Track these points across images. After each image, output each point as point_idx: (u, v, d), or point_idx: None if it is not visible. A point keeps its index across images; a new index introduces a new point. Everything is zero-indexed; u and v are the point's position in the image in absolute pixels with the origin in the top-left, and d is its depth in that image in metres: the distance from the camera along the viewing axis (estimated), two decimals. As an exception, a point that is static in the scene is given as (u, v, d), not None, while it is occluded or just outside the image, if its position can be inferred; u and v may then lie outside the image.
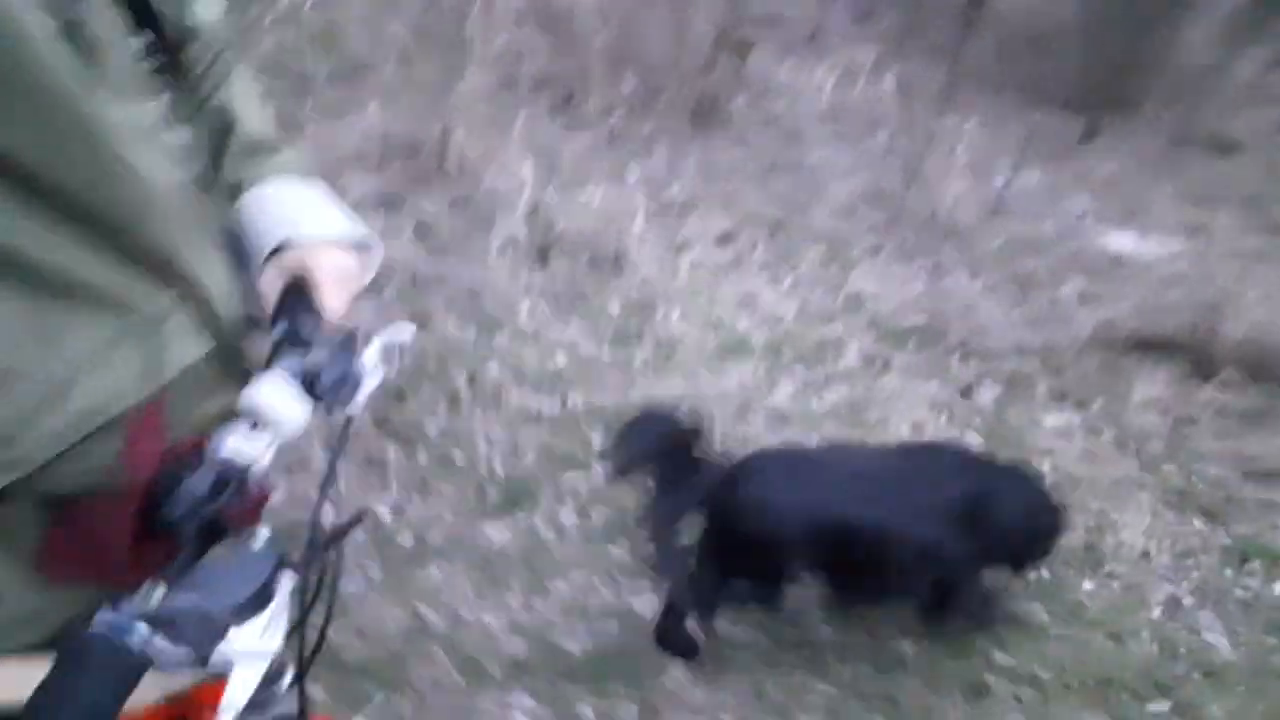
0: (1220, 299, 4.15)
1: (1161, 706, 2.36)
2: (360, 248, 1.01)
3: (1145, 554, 2.85)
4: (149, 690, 0.71)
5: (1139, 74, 6.90)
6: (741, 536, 2.09)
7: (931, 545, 2.15)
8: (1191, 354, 3.85)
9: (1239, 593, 2.81)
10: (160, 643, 0.69)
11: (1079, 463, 3.16)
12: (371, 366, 0.93)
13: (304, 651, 0.87)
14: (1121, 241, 5.02)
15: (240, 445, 0.82)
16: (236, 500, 0.81)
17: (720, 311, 3.67)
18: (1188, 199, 5.73)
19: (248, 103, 1.01)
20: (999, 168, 5.54)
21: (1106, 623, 2.59)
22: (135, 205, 0.79)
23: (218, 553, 0.81)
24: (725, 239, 4.21)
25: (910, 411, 3.24)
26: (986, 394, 3.44)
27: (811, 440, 3.02)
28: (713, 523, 2.14)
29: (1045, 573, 2.70)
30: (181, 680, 0.77)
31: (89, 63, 0.74)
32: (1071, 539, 2.82)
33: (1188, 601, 2.73)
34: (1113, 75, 6.88)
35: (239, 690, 0.79)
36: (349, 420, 0.91)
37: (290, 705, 0.93)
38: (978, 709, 2.26)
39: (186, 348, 0.86)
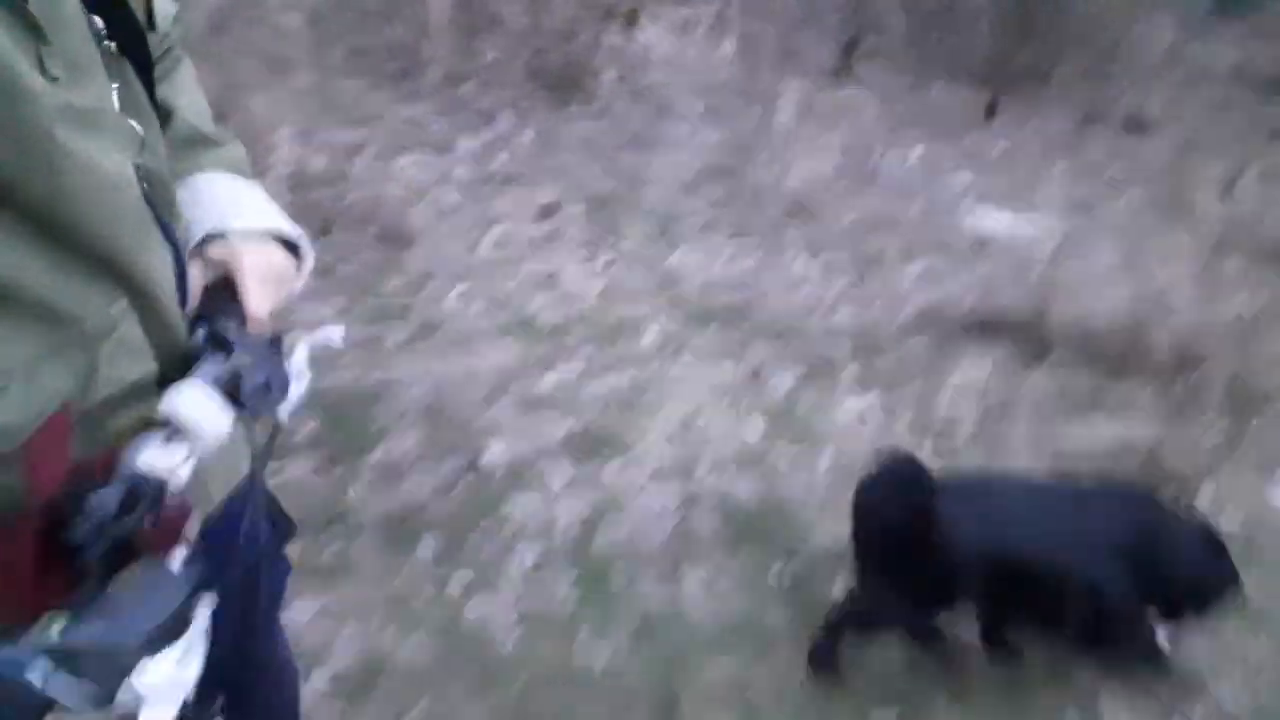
0: (1076, 280, 4.01)
1: (886, 716, 2.19)
2: (293, 248, 0.97)
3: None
4: None
5: (1048, 47, 6.76)
6: (919, 560, 2.10)
7: (1101, 584, 2.15)
8: (1025, 337, 3.69)
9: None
10: (62, 679, 0.64)
11: (866, 451, 2.98)
12: (298, 371, 0.90)
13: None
14: (992, 221, 4.86)
15: (155, 458, 0.76)
16: (150, 519, 0.75)
17: (514, 290, 3.48)
18: (1083, 178, 5.58)
19: (188, 96, 0.98)
20: (879, 143, 5.39)
21: (846, 624, 2.42)
22: (77, 198, 0.71)
23: (128, 577, 0.74)
24: (545, 213, 4.01)
25: (691, 396, 3.06)
26: (783, 378, 3.26)
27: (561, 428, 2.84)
28: (889, 542, 2.17)
29: (795, 569, 2.53)
30: None
31: (28, 36, 0.67)
32: (833, 532, 2.66)
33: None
34: (1020, 48, 6.73)
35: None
36: (275, 429, 0.87)
37: None
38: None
39: (124, 368, 0.79)
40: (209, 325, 0.85)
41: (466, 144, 4.44)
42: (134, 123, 0.81)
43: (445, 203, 3.87)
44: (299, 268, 0.99)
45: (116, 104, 0.79)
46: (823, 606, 2.44)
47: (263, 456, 0.86)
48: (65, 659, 0.65)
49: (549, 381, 3.02)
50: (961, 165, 5.58)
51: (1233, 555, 2.36)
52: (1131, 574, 2.17)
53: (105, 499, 0.73)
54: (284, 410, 0.88)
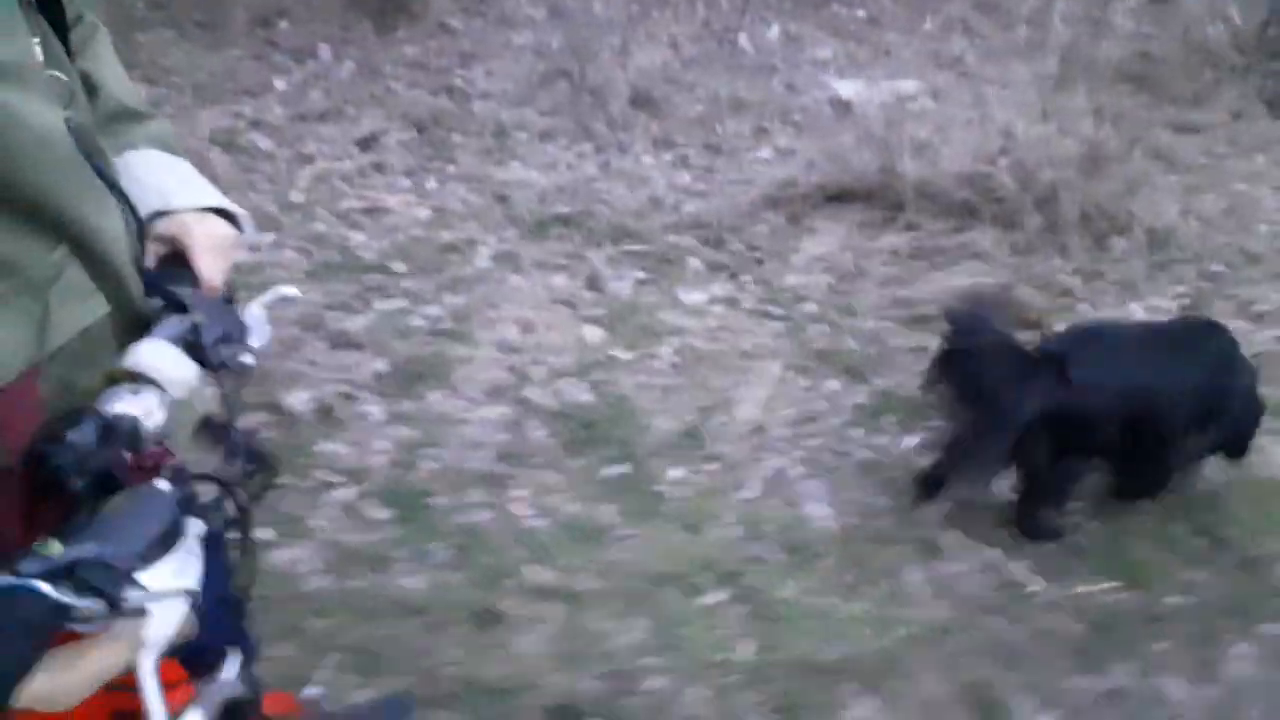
0: (929, 137, 3.94)
1: (719, 596, 2.15)
2: (231, 218, 1.01)
3: (759, 428, 2.64)
4: (87, 677, 0.72)
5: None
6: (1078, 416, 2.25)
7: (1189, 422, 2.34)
8: (877, 201, 3.63)
9: (862, 453, 2.62)
10: (66, 597, 0.67)
11: (708, 340, 2.91)
12: (257, 323, 0.94)
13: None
14: (851, 90, 4.75)
15: (127, 405, 0.80)
16: (129, 454, 0.79)
17: (329, 228, 3.31)
18: (947, 35, 5.49)
19: (112, 71, 0.99)
20: (734, 24, 5.23)
21: (685, 514, 2.36)
22: (8, 151, 0.73)
23: (117, 501, 0.77)
24: (365, 145, 3.81)
25: (523, 312, 2.94)
26: (624, 281, 3.16)
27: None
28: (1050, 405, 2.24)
29: (627, 468, 2.46)
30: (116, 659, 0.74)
31: None
32: (670, 424, 2.60)
33: (795, 473, 2.53)
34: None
35: (159, 627, 0.76)
36: (244, 370, 0.90)
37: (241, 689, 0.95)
38: (481, 639, 2.01)
39: (76, 312, 0.81)
40: (165, 292, 0.90)
41: (280, 85, 4.18)
42: (59, 74, 0.81)
43: (256, 149, 3.64)
44: (242, 235, 1.03)
45: (40, 58, 0.79)
46: (657, 498, 2.39)
47: (234, 399, 0.89)
48: (63, 578, 0.68)
49: (364, 319, 2.88)
50: (823, 37, 5.45)
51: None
52: (1206, 410, 2.36)
53: (83, 432, 0.76)
54: (247, 357, 0.92)
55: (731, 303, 3.09)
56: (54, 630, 0.68)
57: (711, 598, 2.14)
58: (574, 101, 4.20)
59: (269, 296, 0.99)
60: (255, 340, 0.93)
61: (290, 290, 1.01)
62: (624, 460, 2.47)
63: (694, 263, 3.27)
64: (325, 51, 4.50)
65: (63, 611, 0.67)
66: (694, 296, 3.10)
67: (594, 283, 3.10)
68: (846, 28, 5.63)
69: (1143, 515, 2.53)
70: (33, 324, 0.77)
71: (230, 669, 0.97)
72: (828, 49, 5.31)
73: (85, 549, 0.70)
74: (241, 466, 0.89)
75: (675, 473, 2.47)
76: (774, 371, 2.80)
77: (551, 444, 2.50)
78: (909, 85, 4.88)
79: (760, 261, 3.32)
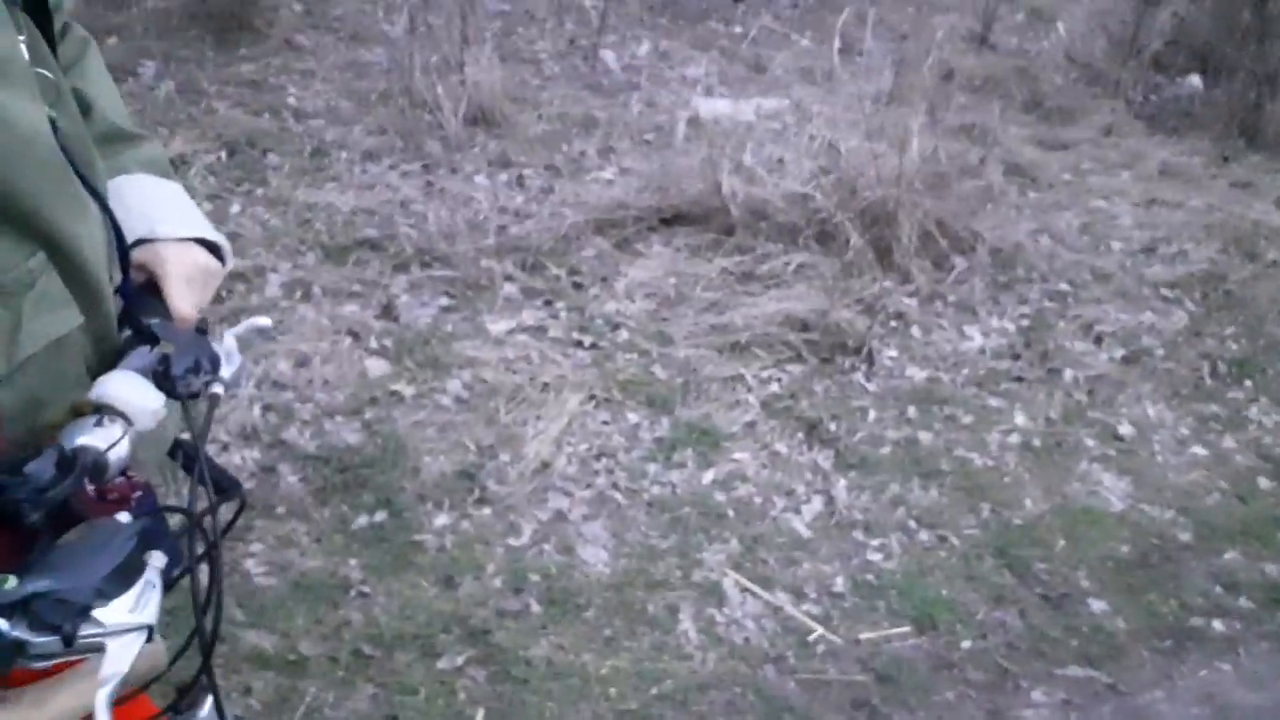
0: (775, 158, 3.89)
1: (458, 659, 2.00)
2: (216, 247, 1.01)
3: (544, 467, 2.50)
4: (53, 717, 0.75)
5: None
6: None
7: None
8: (710, 224, 3.54)
9: (655, 490, 2.51)
10: (21, 633, 0.69)
11: (504, 372, 2.78)
12: (229, 353, 0.94)
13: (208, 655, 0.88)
14: (712, 110, 4.69)
15: (90, 438, 0.80)
16: (90, 486, 0.80)
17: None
18: (821, 52, 5.48)
19: (104, 90, 0.99)
20: (598, 42, 5.17)
21: (442, 566, 2.21)
22: None
23: (76, 535, 0.79)
24: (172, 166, 3.63)
25: (299, 343, 2.77)
26: (424, 308, 3.02)
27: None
28: None
29: (384, 515, 2.30)
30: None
31: None
32: (444, 465, 2.46)
33: (576, 514, 2.40)
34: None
35: (116, 662, 0.74)
36: (213, 399, 0.91)
37: None
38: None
39: (49, 322, 0.80)
40: (133, 321, 0.90)
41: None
42: (45, 72, 0.81)
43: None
44: (223, 267, 1.02)
45: (26, 56, 0.78)
46: (413, 549, 2.24)
47: (204, 427, 0.89)
48: (23, 608, 0.69)
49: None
50: (694, 55, 5.42)
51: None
52: None
53: (42, 464, 0.76)
54: (218, 386, 0.92)
55: (539, 331, 2.96)
56: (9, 666, 0.69)
57: (450, 661, 2.00)
58: (408, 119, 4.07)
59: (242, 327, 1.00)
60: (226, 370, 0.93)
61: (264, 321, 1.02)
62: (382, 507, 2.32)
63: (507, 289, 3.14)
64: (148, 69, 4.31)
65: (19, 648, 0.69)
66: (499, 325, 2.97)
67: (388, 311, 2.95)
68: (720, 44, 5.61)
69: (947, 550, 2.45)
70: (3, 333, 0.76)
71: (205, 707, 0.95)
72: (699, 67, 5.27)
73: (41, 583, 0.71)
74: (210, 497, 0.88)
75: (441, 520, 2.32)
76: (572, 405, 2.68)
77: (302, 491, 2.33)
78: (773, 103, 4.85)
79: (580, 287, 3.20)
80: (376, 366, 2.76)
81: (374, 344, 2.83)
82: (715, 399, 2.81)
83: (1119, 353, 3.26)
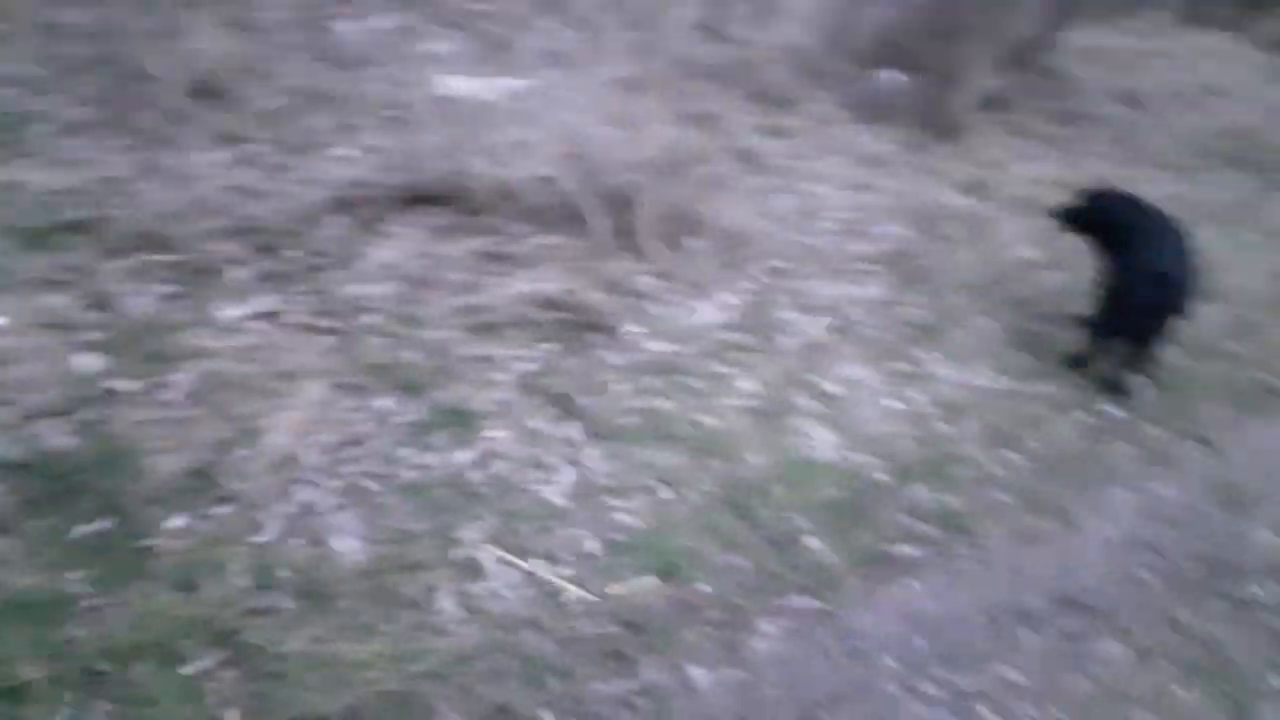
0: (519, 139, 3.95)
1: (206, 662, 1.94)
2: None
3: (289, 459, 2.45)
4: None
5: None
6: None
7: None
8: (456, 205, 3.57)
9: (408, 475, 2.53)
10: None
11: (239, 362, 2.67)
12: None
13: None
14: (452, 88, 4.68)
15: None
16: None
17: None
18: (567, 32, 5.58)
19: None
20: (331, 11, 4.97)
21: (179, 571, 2.12)
22: None
23: None
24: None
25: (1, 339, 2.51)
26: (142, 296, 2.83)
27: None
28: None
29: (108, 523, 2.17)
30: None
31: None
32: (175, 465, 2.34)
33: (326, 505, 2.38)
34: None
35: None
36: None
37: None
38: None
39: None
40: None
41: None
42: None
43: None
44: None
45: None
46: (144, 555, 2.13)
47: None
48: None
49: None
50: (438, 30, 5.35)
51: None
52: None
53: None
54: None
55: (275, 317, 2.87)
56: None
57: (196, 665, 1.93)
58: (118, 91, 3.73)
59: None
60: None
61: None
62: (106, 514, 2.17)
63: (238, 273, 3.00)
64: None
65: None
66: (230, 312, 2.84)
67: (101, 301, 2.73)
68: (464, 22, 5.58)
69: (686, 505, 2.68)
70: None
71: None
72: (442, 43, 5.21)
73: None
74: None
75: (174, 522, 2.21)
76: (315, 392, 2.63)
77: (9, 504, 2.13)
78: (518, 84, 4.91)
79: (319, 270, 3.12)
80: (89, 362, 2.55)
81: (84, 337, 2.61)
82: (468, 380, 2.86)
83: (827, 321, 3.67)
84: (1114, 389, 3.70)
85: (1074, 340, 3.95)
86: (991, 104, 6.34)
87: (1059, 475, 3.20)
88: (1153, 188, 5.67)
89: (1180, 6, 10.60)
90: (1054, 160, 5.80)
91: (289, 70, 4.38)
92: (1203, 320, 4.45)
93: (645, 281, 3.50)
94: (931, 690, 2.33)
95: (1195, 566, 2.95)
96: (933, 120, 5.79)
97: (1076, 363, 3.79)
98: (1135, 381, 3.77)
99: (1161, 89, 7.46)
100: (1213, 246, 5.11)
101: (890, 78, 6.45)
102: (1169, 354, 3.78)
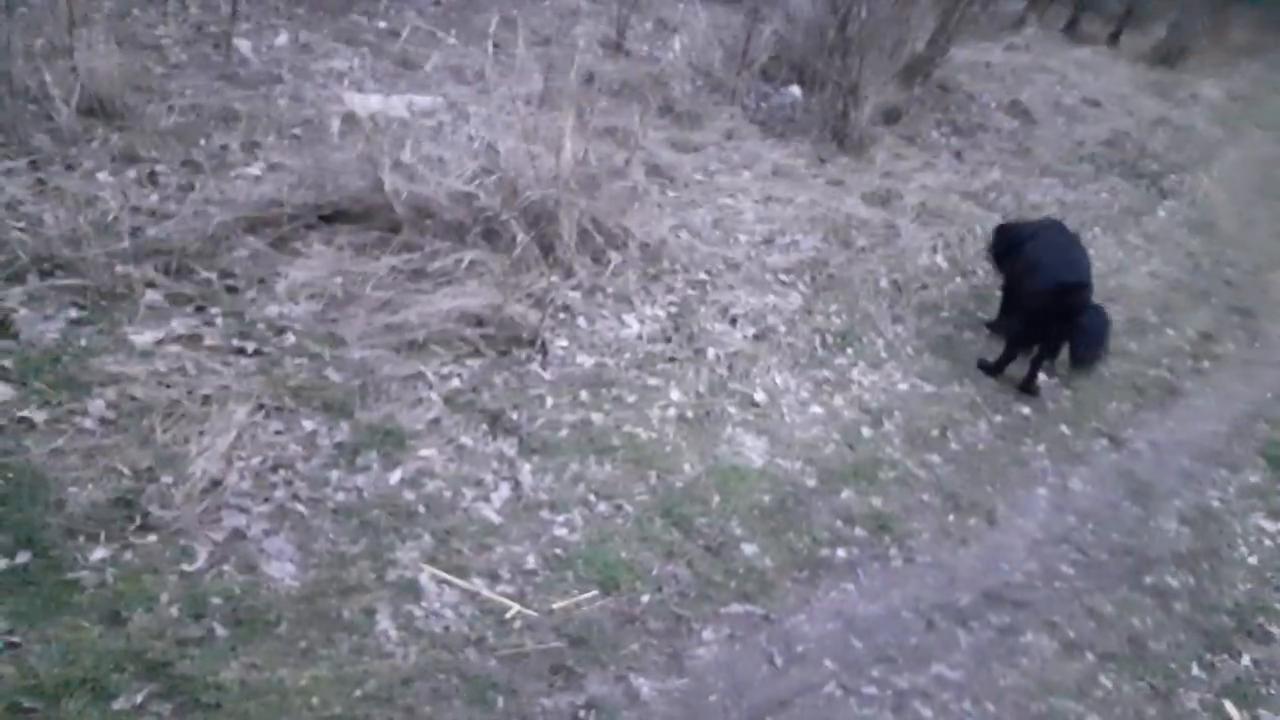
0: (436, 155, 3.95)
1: (138, 696, 1.88)
2: None
3: (216, 483, 2.39)
4: None
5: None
6: None
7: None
8: (374, 222, 3.55)
9: (340, 496, 2.50)
10: None
11: (157, 387, 2.60)
12: None
13: None
14: (362, 104, 4.63)
15: None
16: None
17: None
18: (471, 48, 5.59)
19: None
20: (231, 30, 4.86)
21: (106, 603, 2.04)
22: None
23: None
24: None
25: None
26: (49, 322, 2.72)
27: None
28: None
29: (27, 557, 2.08)
30: None
31: None
32: (95, 495, 2.26)
33: (256, 530, 2.33)
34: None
35: None
36: None
37: None
38: None
39: None
40: None
41: None
42: None
43: None
44: None
45: None
46: (68, 589, 2.05)
47: None
48: None
49: None
50: (339, 48, 5.29)
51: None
52: None
53: None
54: None
55: (193, 340, 2.80)
56: None
57: (127, 700, 1.87)
58: (8, 110, 3.57)
59: None
60: None
61: None
62: (25, 548, 2.09)
63: (150, 296, 2.91)
64: None
65: None
66: (145, 336, 2.76)
67: (5, 327, 2.62)
68: (366, 39, 5.53)
69: (623, 517, 2.72)
70: None
71: None
72: (345, 60, 5.16)
73: None
74: None
75: (99, 554, 2.14)
76: (239, 416, 2.57)
77: (-89, 542, 2.03)
78: (427, 101, 4.90)
79: (235, 291, 3.06)
80: (-7, 393, 2.44)
81: (-18, 368, 2.50)
82: (396, 398, 2.85)
83: (750, 331, 3.78)
84: (1026, 389, 3.93)
85: (985, 345, 4.18)
86: (891, 117, 6.65)
87: (979, 475, 3.38)
88: (1042, 194, 6.06)
89: (1059, 23, 11.31)
90: (953, 170, 6.11)
91: (188, 89, 4.27)
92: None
93: (571, 296, 3.54)
94: (872, 691, 2.43)
95: (1112, 559, 3.15)
96: (836, 134, 6.03)
97: (989, 366, 4.01)
98: (1044, 382, 4.01)
99: (1046, 100, 7.95)
100: (1103, 250, 5.49)
101: (793, 93, 6.69)
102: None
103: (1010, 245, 4.17)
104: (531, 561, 2.50)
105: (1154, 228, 6.27)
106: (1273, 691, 2.75)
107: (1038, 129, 7.33)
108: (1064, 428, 3.82)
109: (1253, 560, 3.31)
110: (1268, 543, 3.42)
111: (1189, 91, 9.71)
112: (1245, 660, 2.84)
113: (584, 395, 3.12)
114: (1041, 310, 3.80)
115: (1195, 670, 2.76)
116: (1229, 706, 2.66)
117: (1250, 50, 12.59)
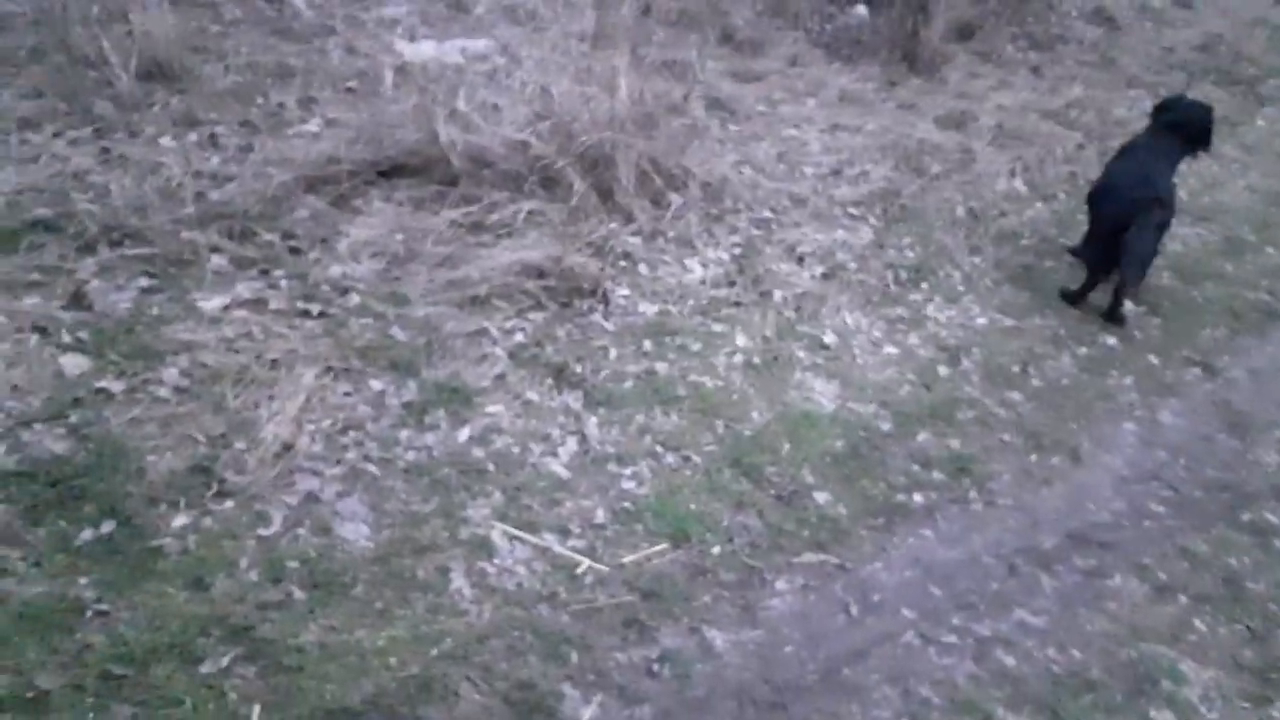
0: (491, 104, 3.89)
1: (223, 660, 1.94)
2: None
3: (287, 449, 2.43)
4: None
5: None
6: None
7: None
8: (431, 175, 3.51)
9: (410, 456, 2.51)
10: None
11: (226, 353, 2.64)
12: None
13: None
14: (415, 53, 4.57)
15: None
16: None
17: None
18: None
19: None
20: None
21: (189, 569, 2.10)
22: None
23: None
24: None
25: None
26: (122, 292, 2.77)
27: None
28: None
29: (112, 526, 2.15)
30: None
31: None
32: (174, 463, 2.32)
33: (329, 493, 2.36)
34: None
35: None
36: None
37: None
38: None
39: None
40: None
41: None
42: None
43: None
44: None
45: None
46: (153, 556, 2.11)
47: None
48: None
49: None
50: (387, -2, 5.22)
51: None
52: None
53: None
54: None
55: (259, 305, 2.83)
56: None
57: (214, 664, 1.93)
58: (69, 78, 3.62)
59: None
60: None
61: None
62: (108, 517, 2.15)
63: (216, 261, 2.95)
64: None
65: None
66: (213, 302, 2.79)
67: (80, 299, 2.68)
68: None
69: (691, 468, 2.69)
70: None
71: None
72: (399, 7, 5.09)
73: None
74: None
75: (179, 520, 2.20)
76: (307, 379, 2.60)
77: (10, 513, 2.11)
78: (480, 45, 4.81)
79: (298, 252, 3.07)
80: (74, 363, 2.50)
81: (67, 338, 2.56)
82: (461, 355, 2.84)
83: (819, 270, 3.66)
84: (1111, 318, 3.74)
85: (1068, 273, 3.98)
86: (964, 34, 6.30)
87: (1063, 412, 3.24)
88: (1128, 108, 5.70)
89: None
90: (1031, 87, 5.78)
91: (243, 46, 4.26)
92: (1194, 241, 4.50)
93: (631, 242, 3.48)
94: (952, 639, 2.37)
95: (1205, 495, 3.01)
96: (906, 54, 5.75)
97: (1071, 295, 3.82)
98: (1132, 310, 3.81)
99: (1132, 4, 7.43)
100: (1196, 165, 5.15)
101: (860, 13, 6.39)
102: (1159, 277, 3.81)
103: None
104: (601, 515, 2.49)
105: (1252, 138, 5.86)
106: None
107: (1122, 36, 6.87)
108: (1153, 358, 3.63)
109: (1362, 493, 3.12)
110: (1379, 474, 3.22)
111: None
112: (1353, 600, 2.69)
113: (648, 345, 3.07)
114: (1109, 232, 3.60)
115: (1297, 611, 2.64)
116: (1335, 649, 2.53)
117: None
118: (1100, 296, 3.78)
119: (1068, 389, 3.36)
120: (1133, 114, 5.58)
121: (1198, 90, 6.24)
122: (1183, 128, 3.76)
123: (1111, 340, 3.67)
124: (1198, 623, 2.55)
